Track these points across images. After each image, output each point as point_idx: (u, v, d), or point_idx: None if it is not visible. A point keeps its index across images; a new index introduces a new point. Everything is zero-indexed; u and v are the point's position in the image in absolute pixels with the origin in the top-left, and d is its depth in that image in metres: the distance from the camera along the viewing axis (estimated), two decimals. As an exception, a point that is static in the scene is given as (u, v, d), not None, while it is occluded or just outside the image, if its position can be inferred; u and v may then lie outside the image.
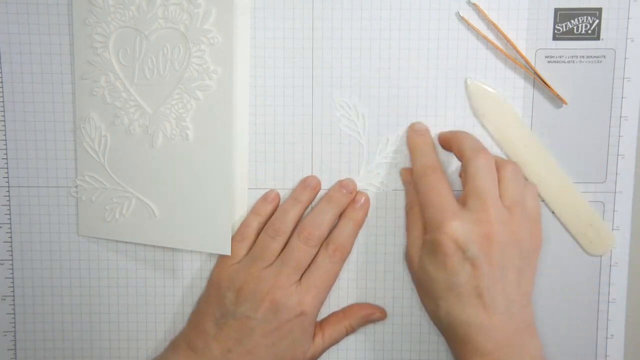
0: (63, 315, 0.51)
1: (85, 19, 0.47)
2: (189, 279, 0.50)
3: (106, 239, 0.50)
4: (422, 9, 0.47)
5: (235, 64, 0.46)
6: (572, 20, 0.47)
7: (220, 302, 0.46)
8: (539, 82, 0.47)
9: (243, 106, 0.48)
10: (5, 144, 0.49)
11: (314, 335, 0.48)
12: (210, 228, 0.47)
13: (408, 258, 0.46)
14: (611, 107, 0.48)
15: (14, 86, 0.48)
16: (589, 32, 0.47)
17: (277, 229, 0.47)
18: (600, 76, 0.47)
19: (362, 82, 0.48)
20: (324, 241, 0.47)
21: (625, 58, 0.47)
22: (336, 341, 0.49)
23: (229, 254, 0.47)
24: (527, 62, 0.47)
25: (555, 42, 0.47)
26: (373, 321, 0.50)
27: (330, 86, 0.48)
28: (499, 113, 0.48)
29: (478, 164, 0.43)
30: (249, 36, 0.47)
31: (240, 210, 0.49)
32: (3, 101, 0.49)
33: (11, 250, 0.50)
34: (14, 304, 0.51)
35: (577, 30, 0.47)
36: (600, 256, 0.49)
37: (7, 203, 0.50)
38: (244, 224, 0.48)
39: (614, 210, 0.49)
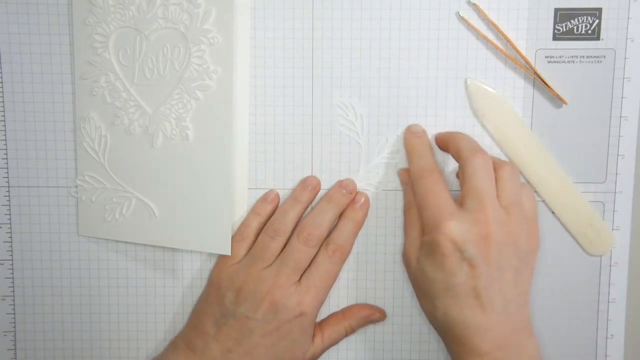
0: (63, 315, 0.51)
1: (85, 19, 0.47)
2: (189, 279, 0.50)
3: (106, 239, 0.50)
4: (422, 9, 0.47)
5: (235, 64, 0.46)
6: (572, 20, 0.47)
7: (220, 302, 0.46)
8: (539, 82, 0.47)
9: (243, 106, 0.48)
10: (5, 144, 0.49)
11: (314, 335, 0.48)
12: (210, 228, 0.47)
13: (406, 259, 0.46)
14: (611, 107, 0.48)
15: (14, 86, 0.48)
16: (589, 32, 0.47)
17: (276, 229, 0.47)
18: (600, 76, 0.47)
19: (362, 82, 0.48)
20: (323, 241, 0.47)
21: (625, 58, 0.47)
22: (335, 342, 0.49)
23: (229, 254, 0.47)
24: (527, 62, 0.47)
25: (555, 42, 0.47)
26: (373, 322, 0.50)
27: (330, 86, 0.48)
28: (499, 113, 0.48)
29: (475, 165, 0.43)
30: (249, 36, 0.47)
31: (240, 210, 0.49)
32: (3, 101, 0.49)
33: (11, 250, 0.50)
34: (14, 304, 0.51)
35: (577, 30, 0.47)
36: (600, 256, 0.49)
37: (7, 203, 0.50)
38: (244, 224, 0.48)
39: (614, 210, 0.49)
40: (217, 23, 0.45)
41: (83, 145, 0.48)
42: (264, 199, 0.49)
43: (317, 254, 0.47)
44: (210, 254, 0.50)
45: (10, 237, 0.50)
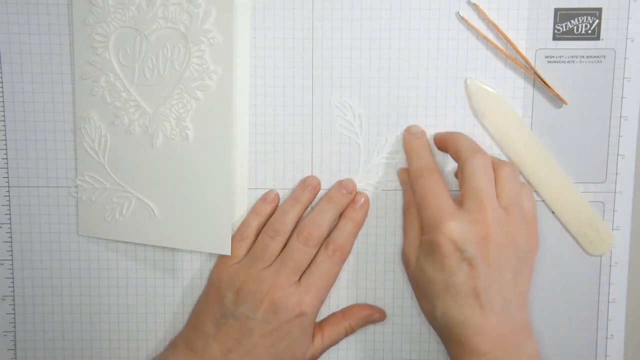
0: (63, 315, 0.51)
1: (85, 19, 0.47)
2: (189, 279, 0.50)
3: (106, 239, 0.50)
4: (422, 9, 0.47)
5: (235, 64, 0.46)
6: (572, 20, 0.47)
7: (220, 302, 0.46)
8: (539, 82, 0.47)
9: (243, 106, 0.48)
10: (5, 144, 0.49)
11: (314, 335, 0.48)
12: (210, 228, 0.47)
13: (405, 258, 0.46)
14: (611, 107, 0.48)
15: (14, 86, 0.48)
16: (589, 32, 0.47)
17: (276, 229, 0.47)
18: (600, 76, 0.47)
19: (362, 82, 0.48)
20: (323, 241, 0.47)
21: (625, 58, 0.47)
22: (335, 342, 0.49)
23: (229, 254, 0.47)
24: (527, 62, 0.47)
25: (555, 42, 0.47)
26: (373, 322, 0.50)
27: (330, 86, 0.48)
28: (499, 113, 0.48)
29: (475, 164, 0.43)
30: (249, 36, 0.47)
31: (240, 210, 0.49)
32: (3, 101, 0.49)
33: (11, 250, 0.50)
34: (14, 304, 0.51)
35: (577, 30, 0.47)
36: (600, 256, 0.49)
37: (7, 203, 0.50)
38: (244, 224, 0.48)
39: (614, 210, 0.49)
40: (217, 23, 0.45)
41: (83, 145, 0.48)
42: (264, 199, 0.49)
43: (317, 254, 0.47)
44: (210, 254, 0.50)
45: (10, 237, 0.50)
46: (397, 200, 0.49)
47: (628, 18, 0.46)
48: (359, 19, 0.47)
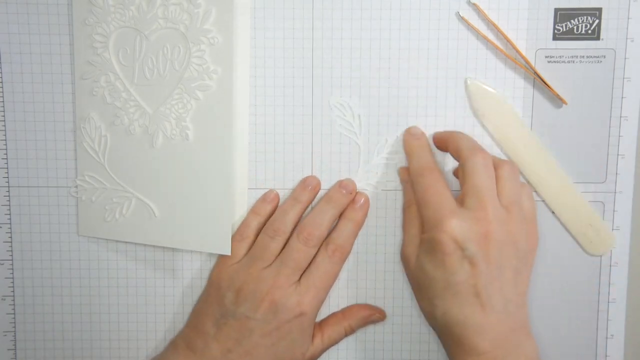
0: (63, 315, 0.51)
1: (85, 19, 0.47)
2: (189, 279, 0.50)
3: (106, 239, 0.50)
4: (422, 9, 0.47)
5: (235, 64, 0.46)
6: (572, 20, 0.47)
7: (220, 302, 0.46)
8: (539, 82, 0.47)
9: (243, 106, 0.48)
10: (5, 144, 0.49)
11: (313, 335, 0.48)
12: (210, 228, 0.47)
13: (404, 257, 0.46)
14: (611, 107, 0.48)
15: (14, 86, 0.48)
16: (589, 32, 0.47)
17: (276, 229, 0.47)
18: (600, 76, 0.47)
19: (362, 82, 0.48)
20: (323, 241, 0.47)
21: (625, 58, 0.47)
22: (335, 342, 0.49)
23: (229, 254, 0.47)
24: (527, 62, 0.47)
25: (555, 42, 0.47)
26: (372, 322, 0.50)
27: (330, 86, 0.48)
28: (499, 113, 0.48)
29: (476, 163, 0.43)
30: (249, 36, 0.47)
31: (240, 210, 0.49)
32: (3, 101, 0.49)
33: (11, 250, 0.50)
34: (14, 304, 0.51)
35: (577, 30, 0.47)
36: (600, 256, 0.49)
37: (7, 203, 0.50)
38: (244, 224, 0.48)
39: (614, 210, 0.49)
40: (217, 23, 0.45)
41: (83, 145, 0.48)
42: (263, 199, 0.49)
43: (317, 254, 0.47)
44: (210, 254, 0.50)
45: (10, 237, 0.50)
46: (397, 200, 0.49)
47: (628, 18, 0.46)
48: (359, 19, 0.47)
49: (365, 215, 0.49)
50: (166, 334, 0.51)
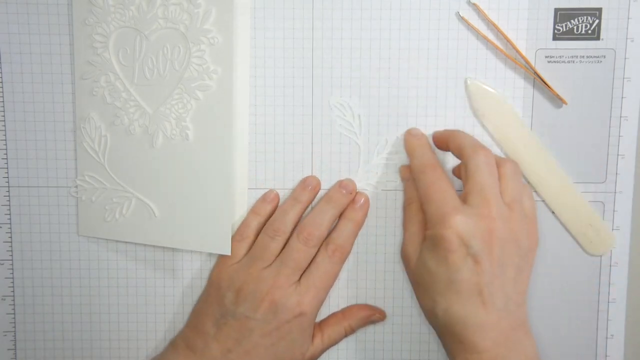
0: (63, 315, 0.51)
1: (85, 19, 0.47)
2: (189, 279, 0.50)
3: (106, 239, 0.50)
4: (422, 9, 0.47)
5: (235, 64, 0.46)
6: (572, 20, 0.47)
7: (220, 302, 0.46)
8: (539, 82, 0.47)
9: (243, 106, 0.48)
10: (5, 144, 0.49)
11: (313, 336, 0.48)
12: (210, 228, 0.47)
13: (405, 255, 0.46)
14: (611, 107, 0.48)
15: (14, 86, 0.48)
16: (589, 32, 0.47)
17: (276, 229, 0.47)
18: (600, 76, 0.47)
19: (362, 82, 0.48)
20: (323, 241, 0.47)
21: (625, 58, 0.47)
22: (335, 342, 0.49)
23: (229, 254, 0.47)
24: (527, 62, 0.47)
25: (555, 42, 0.47)
26: (372, 322, 0.50)
27: (330, 86, 0.48)
28: (499, 113, 0.48)
29: (479, 161, 0.43)
30: (249, 36, 0.47)
31: (240, 210, 0.49)
32: (3, 101, 0.49)
33: (11, 250, 0.50)
34: (14, 304, 0.51)
35: (577, 30, 0.47)
36: (600, 256, 0.49)
37: (7, 203, 0.50)
38: (244, 223, 0.48)
39: (614, 210, 0.49)
40: (217, 23, 0.45)
41: (83, 145, 0.48)
42: (263, 199, 0.49)
43: (317, 254, 0.47)
44: (210, 254, 0.50)
45: (10, 237, 0.50)
46: (397, 200, 0.49)
47: (628, 18, 0.46)
48: (359, 19, 0.47)
49: (365, 215, 0.49)
50: (166, 334, 0.51)
